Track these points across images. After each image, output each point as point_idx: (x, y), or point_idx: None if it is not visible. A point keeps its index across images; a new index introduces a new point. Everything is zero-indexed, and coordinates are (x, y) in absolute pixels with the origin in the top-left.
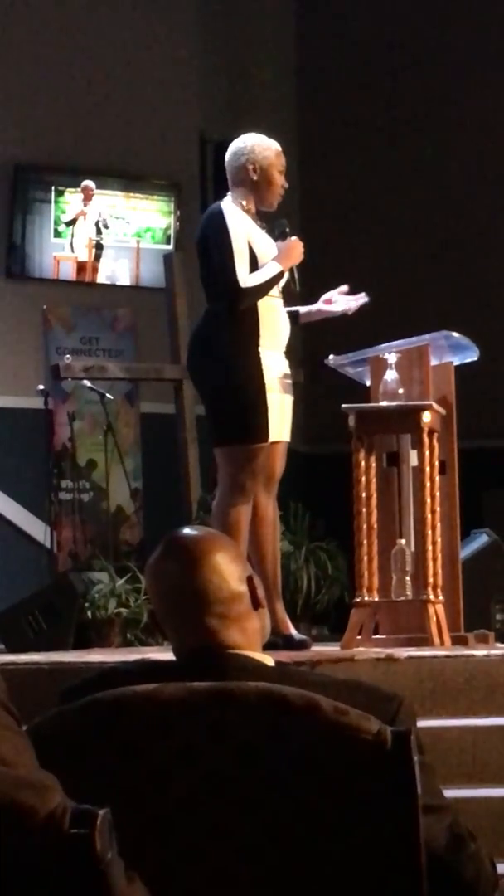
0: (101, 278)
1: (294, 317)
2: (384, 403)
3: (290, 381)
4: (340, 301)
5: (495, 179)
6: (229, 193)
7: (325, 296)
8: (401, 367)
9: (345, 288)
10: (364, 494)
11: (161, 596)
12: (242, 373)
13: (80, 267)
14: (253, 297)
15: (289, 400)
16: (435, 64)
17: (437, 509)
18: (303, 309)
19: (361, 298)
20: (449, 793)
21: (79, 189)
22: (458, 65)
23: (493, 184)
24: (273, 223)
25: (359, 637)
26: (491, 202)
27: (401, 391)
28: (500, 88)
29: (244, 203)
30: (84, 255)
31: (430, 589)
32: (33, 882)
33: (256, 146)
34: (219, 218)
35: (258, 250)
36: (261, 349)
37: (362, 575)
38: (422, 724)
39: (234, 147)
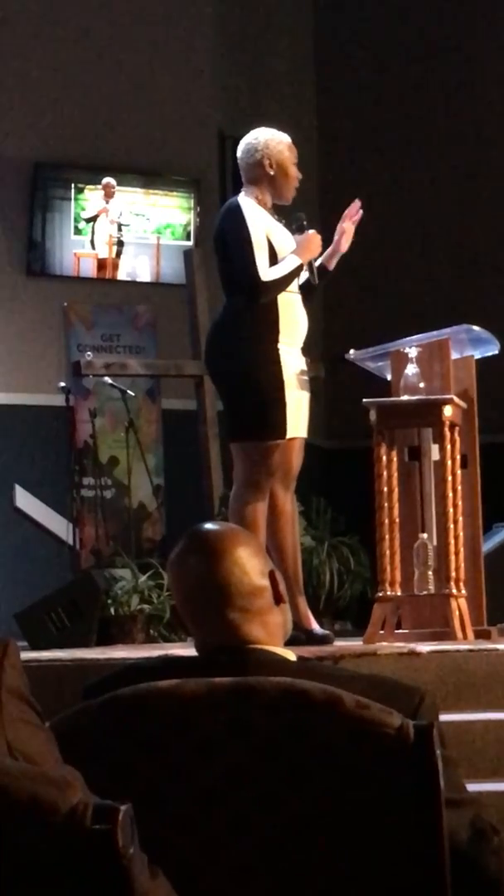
0: (122, 275)
1: (322, 272)
2: (405, 398)
3: (307, 377)
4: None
5: None
6: (243, 189)
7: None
8: (421, 362)
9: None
10: (386, 489)
11: (183, 590)
12: (261, 368)
13: (101, 264)
14: (273, 290)
15: (306, 396)
16: (456, 52)
17: (459, 503)
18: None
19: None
20: (472, 787)
21: (98, 186)
22: (480, 53)
23: None
24: (290, 217)
25: (381, 632)
26: None
27: (422, 385)
28: None
29: (260, 198)
30: (104, 252)
31: (452, 583)
32: (56, 878)
33: (270, 141)
34: (237, 212)
35: (276, 244)
36: (280, 345)
37: (384, 569)
38: (444, 718)
39: (245, 143)
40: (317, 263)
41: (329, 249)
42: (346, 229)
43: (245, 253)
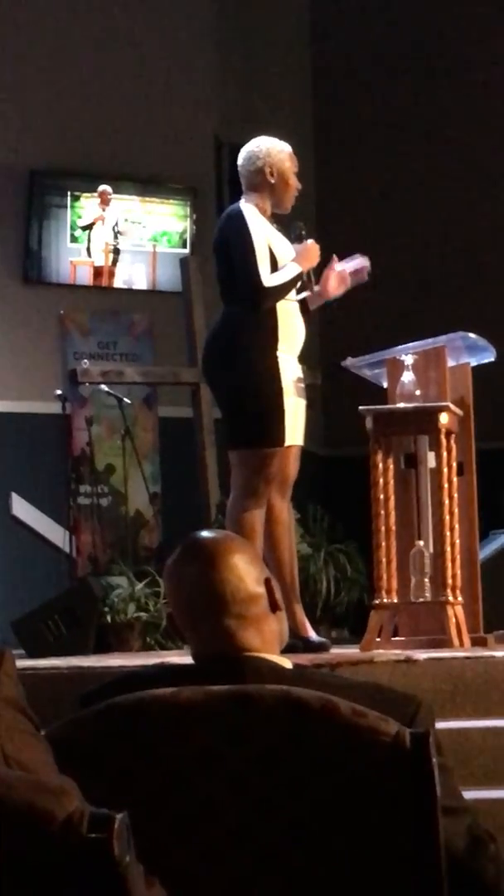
0: (118, 283)
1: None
2: (401, 405)
3: (303, 385)
4: (338, 279)
5: None
6: (243, 197)
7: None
8: (418, 369)
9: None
10: (382, 496)
11: (179, 598)
12: (261, 376)
13: (97, 272)
14: (275, 296)
15: (303, 404)
16: (454, 59)
17: (456, 510)
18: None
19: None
20: (468, 794)
21: (95, 194)
22: (477, 65)
23: None
24: (289, 226)
25: (378, 639)
26: None
27: (418, 392)
28: None
29: (260, 205)
30: (101, 259)
31: (449, 590)
32: (51, 887)
33: (272, 149)
34: (239, 218)
35: (277, 252)
36: (278, 353)
37: (381, 577)
38: (441, 725)
39: (247, 151)
40: (299, 297)
41: (316, 290)
42: (342, 277)
43: (248, 258)
